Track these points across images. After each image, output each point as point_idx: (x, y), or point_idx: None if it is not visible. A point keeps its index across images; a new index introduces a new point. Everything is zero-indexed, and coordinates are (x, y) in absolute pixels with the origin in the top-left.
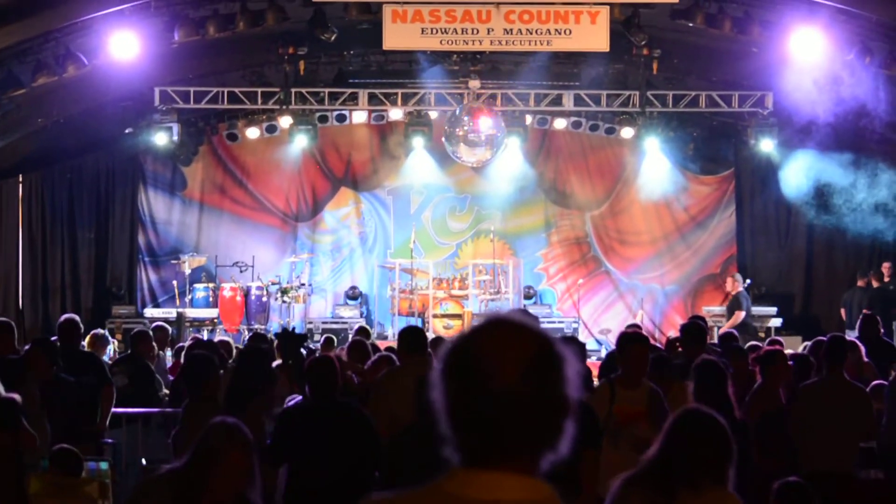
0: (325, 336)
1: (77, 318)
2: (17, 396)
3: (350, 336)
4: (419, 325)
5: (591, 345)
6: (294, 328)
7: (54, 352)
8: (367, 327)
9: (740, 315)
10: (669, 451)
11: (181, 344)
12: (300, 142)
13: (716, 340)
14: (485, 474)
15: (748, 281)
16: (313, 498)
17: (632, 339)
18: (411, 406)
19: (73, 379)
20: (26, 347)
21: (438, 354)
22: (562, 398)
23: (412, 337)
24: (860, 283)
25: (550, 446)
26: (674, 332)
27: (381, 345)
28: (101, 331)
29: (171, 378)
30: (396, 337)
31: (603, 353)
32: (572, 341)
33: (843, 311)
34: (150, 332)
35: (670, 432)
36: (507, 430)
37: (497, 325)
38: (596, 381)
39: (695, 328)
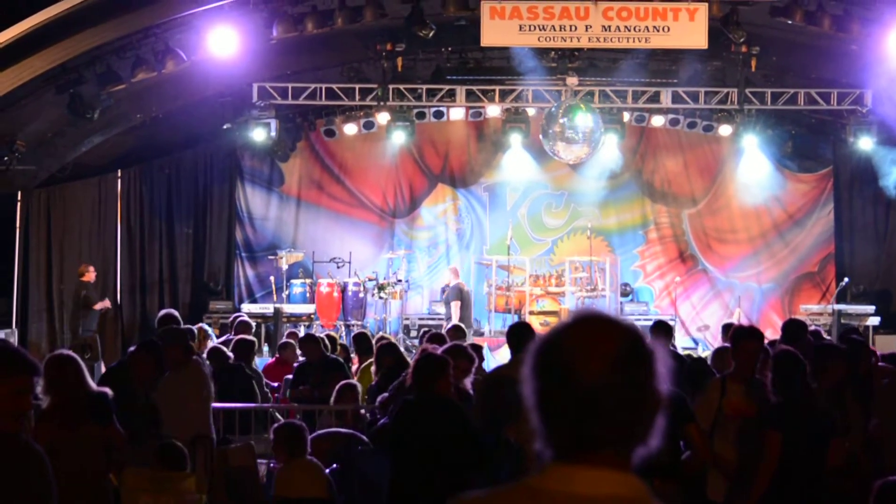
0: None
1: (175, 312)
2: (109, 391)
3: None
4: (521, 321)
5: (687, 343)
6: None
7: (159, 353)
8: (461, 326)
9: (458, 305)
10: None
11: (283, 341)
12: (397, 138)
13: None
14: (576, 470)
15: (846, 279)
16: (414, 491)
17: (745, 334)
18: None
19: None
20: (131, 350)
21: (529, 351)
22: (651, 392)
23: (519, 334)
24: None
25: (641, 441)
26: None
27: (478, 341)
28: (203, 325)
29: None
30: (505, 333)
31: (700, 351)
32: (662, 328)
33: None
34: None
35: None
36: (596, 424)
37: (586, 320)
38: None
39: (795, 326)
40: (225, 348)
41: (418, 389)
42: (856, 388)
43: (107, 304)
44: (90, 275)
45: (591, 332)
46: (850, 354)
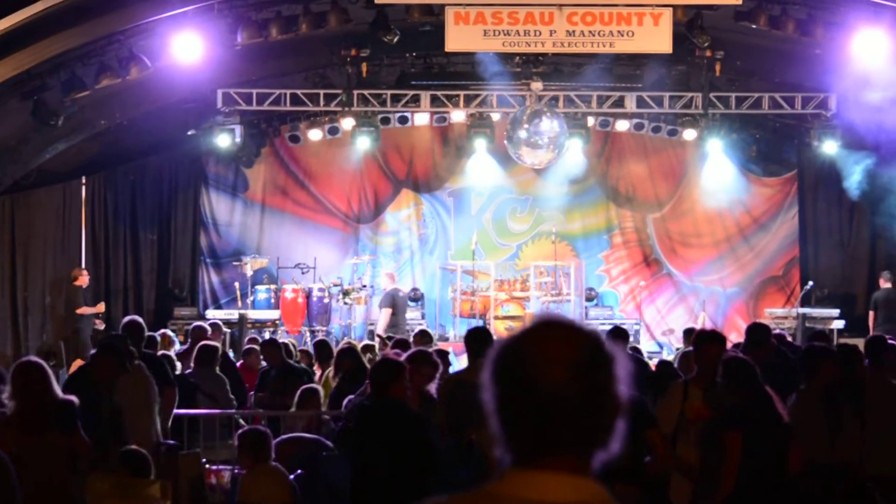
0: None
1: (140, 319)
2: (75, 399)
3: (411, 338)
4: (480, 326)
5: (652, 347)
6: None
7: (120, 355)
8: (428, 331)
9: (388, 312)
10: None
11: (246, 347)
12: (362, 143)
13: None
14: (537, 475)
15: (810, 283)
16: (372, 495)
17: (707, 338)
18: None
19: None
20: (91, 353)
21: (488, 357)
22: (612, 397)
23: (478, 340)
24: (887, 284)
25: (602, 446)
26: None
27: (443, 346)
28: (166, 331)
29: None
30: (463, 338)
31: (665, 355)
32: (619, 334)
33: (871, 314)
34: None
35: None
36: (557, 430)
37: (545, 325)
38: None
39: (758, 330)
40: (173, 356)
41: (373, 393)
42: (850, 393)
43: (98, 309)
44: (83, 279)
45: (551, 337)
46: (843, 358)
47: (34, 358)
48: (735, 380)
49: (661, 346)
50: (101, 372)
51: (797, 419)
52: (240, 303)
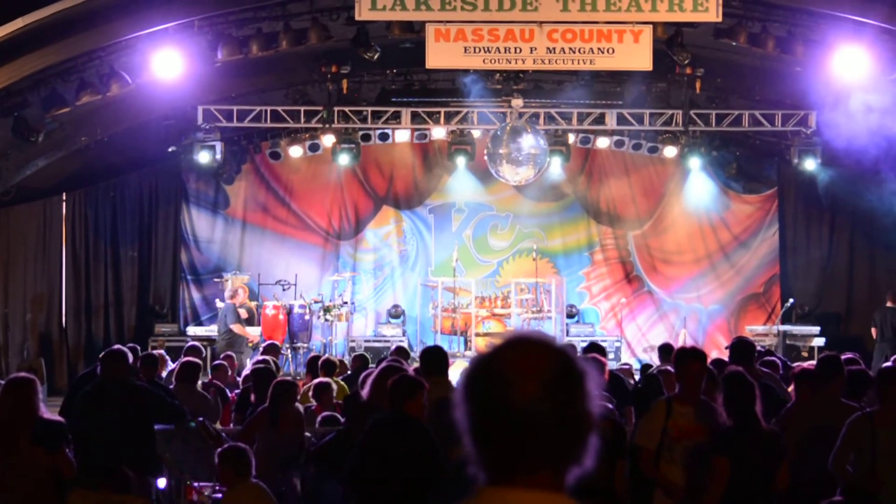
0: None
1: (125, 350)
2: (62, 419)
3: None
4: (461, 343)
5: (633, 364)
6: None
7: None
8: (406, 348)
9: (237, 328)
10: None
11: (216, 362)
12: (343, 160)
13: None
14: (511, 492)
15: (791, 300)
16: None
17: (689, 355)
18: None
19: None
20: (95, 367)
21: (461, 374)
22: (584, 413)
23: (434, 358)
24: (889, 302)
25: (575, 461)
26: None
27: None
28: (160, 351)
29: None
30: (419, 357)
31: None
32: (595, 350)
33: (873, 330)
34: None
35: None
36: (529, 446)
37: (517, 342)
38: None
39: (743, 344)
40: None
41: (390, 408)
42: None
43: (251, 336)
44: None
45: (524, 353)
46: None
47: (22, 374)
48: (735, 397)
49: (641, 364)
50: (119, 373)
51: (854, 440)
52: None
